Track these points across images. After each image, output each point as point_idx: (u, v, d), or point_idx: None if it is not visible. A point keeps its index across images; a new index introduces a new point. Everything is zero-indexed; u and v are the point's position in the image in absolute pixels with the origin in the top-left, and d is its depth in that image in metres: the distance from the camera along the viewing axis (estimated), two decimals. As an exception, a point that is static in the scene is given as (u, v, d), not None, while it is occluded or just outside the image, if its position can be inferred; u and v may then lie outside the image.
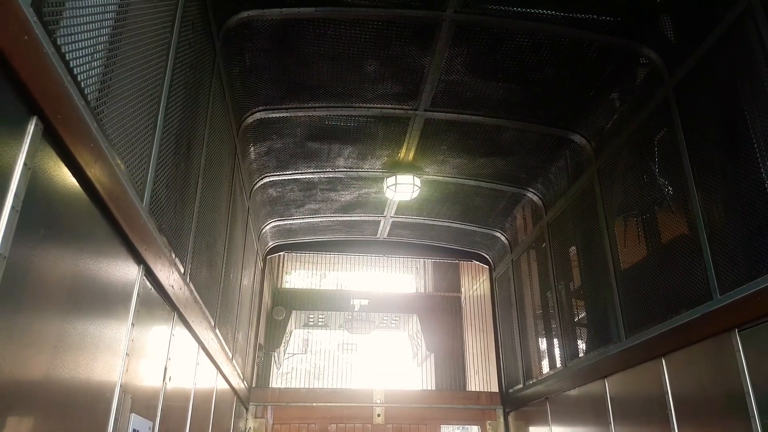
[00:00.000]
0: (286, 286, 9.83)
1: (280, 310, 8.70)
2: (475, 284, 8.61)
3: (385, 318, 11.51)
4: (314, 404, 6.88)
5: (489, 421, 7.02)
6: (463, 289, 9.47)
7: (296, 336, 12.73)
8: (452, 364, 9.25)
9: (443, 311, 9.74)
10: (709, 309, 3.32)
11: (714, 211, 3.48)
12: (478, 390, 7.90)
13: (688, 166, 3.60)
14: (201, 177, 3.37)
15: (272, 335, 8.40)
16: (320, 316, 11.35)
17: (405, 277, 12.26)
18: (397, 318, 11.67)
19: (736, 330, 3.12)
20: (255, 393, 6.70)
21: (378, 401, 6.86)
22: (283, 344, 9.30)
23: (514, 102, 4.80)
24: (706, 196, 3.50)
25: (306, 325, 12.15)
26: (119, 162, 2.04)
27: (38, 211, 1.54)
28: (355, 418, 6.73)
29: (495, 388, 7.32)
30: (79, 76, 1.71)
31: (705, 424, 3.40)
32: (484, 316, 8.05)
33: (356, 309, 9.94)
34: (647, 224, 4.29)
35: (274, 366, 8.42)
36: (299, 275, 9.74)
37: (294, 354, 12.97)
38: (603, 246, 4.70)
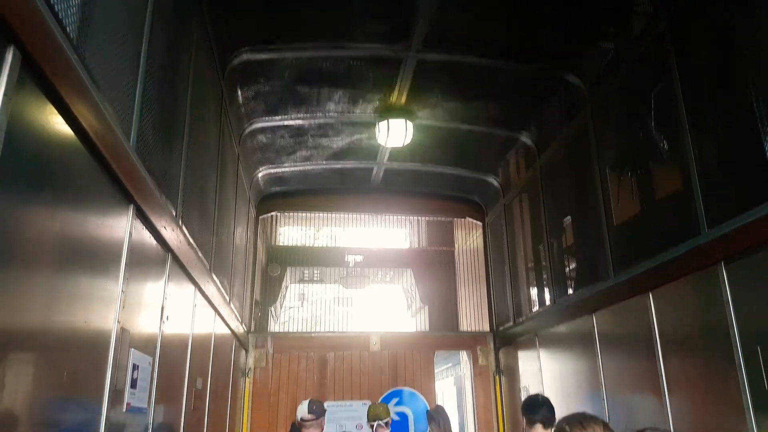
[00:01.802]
0: (281, 243, 9.87)
1: (275, 266, 8.77)
2: (469, 239, 8.70)
3: (379, 273, 11.63)
4: (312, 334, 7.23)
5: (479, 347, 7.34)
6: (456, 244, 9.54)
7: (292, 291, 12.86)
8: (445, 314, 9.44)
9: (437, 265, 9.84)
10: (697, 243, 3.38)
11: (705, 145, 3.48)
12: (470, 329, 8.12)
13: (681, 100, 3.58)
14: (188, 119, 3.33)
15: (268, 291, 8.49)
16: (315, 272, 11.43)
17: (399, 233, 12.33)
18: (391, 273, 11.78)
19: (723, 263, 3.18)
20: (254, 335, 6.94)
21: (374, 341, 7.11)
22: (279, 299, 9.42)
23: (509, 42, 4.70)
24: (697, 131, 3.50)
25: (302, 281, 12.26)
26: (103, 99, 2.01)
27: (22, 146, 1.53)
28: (352, 346, 7.06)
29: (486, 329, 7.53)
30: (56, 6, 1.66)
31: (689, 355, 3.52)
32: (477, 269, 8.18)
33: (351, 265, 10.02)
34: (639, 163, 4.30)
35: (272, 319, 8.56)
36: (293, 231, 9.75)
37: (291, 307, 13.14)
38: (594, 187, 4.72)
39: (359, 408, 6.66)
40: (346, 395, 6.82)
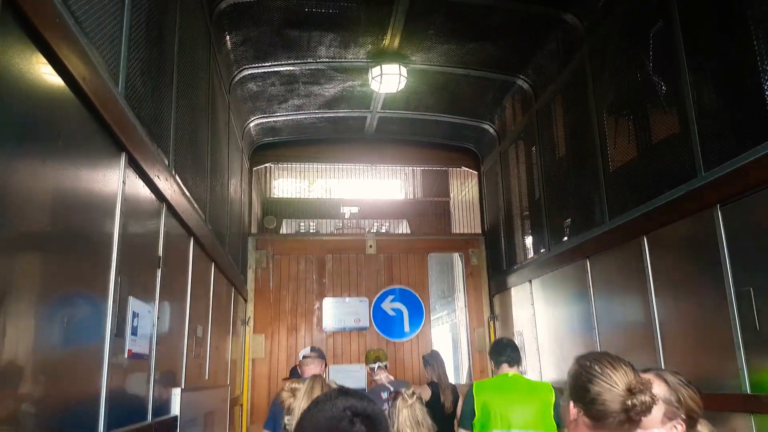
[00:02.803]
0: (276, 195, 9.84)
1: (271, 219, 8.77)
2: (464, 189, 8.68)
3: (375, 224, 11.67)
4: (311, 238, 7.51)
5: (471, 249, 7.61)
6: (452, 194, 9.53)
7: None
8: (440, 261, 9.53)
9: (432, 216, 9.87)
10: (693, 186, 3.38)
11: (704, 87, 3.44)
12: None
13: (680, 40, 3.51)
14: (176, 65, 3.24)
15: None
16: (311, 224, 11.47)
17: (394, 184, 12.28)
18: (387, 223, 11.82)
19: (718, 206, 3.19)
20: (254, 238, 7.23)
21: (370, 245, 7.43)
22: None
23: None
24: (696, 72, 3.44)
25: (297, 233, 12.31)
26: (89, 43, 1.94)
27: (8, 94, 1.48)
28: (349, 249, 7.36)
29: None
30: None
31: (682, 297, 3.57)
32: (472, 219, 8.22)
33: (346, 217, 10.03)
34: (636, 106, 4.25)
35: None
36: (288, 184, 9.70)
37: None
38: (591, 131, 4.68)
39: (357, 304, 7.10)
40: (344, 293, 7.16)
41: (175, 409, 3.07)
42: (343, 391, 1.22)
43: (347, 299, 7.13)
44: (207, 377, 4.15)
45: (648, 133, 4.11)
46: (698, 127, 3.38)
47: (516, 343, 4.12)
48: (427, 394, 4.95)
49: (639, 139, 4.22)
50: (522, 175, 6.49)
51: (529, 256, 6.20)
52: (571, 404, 1.60)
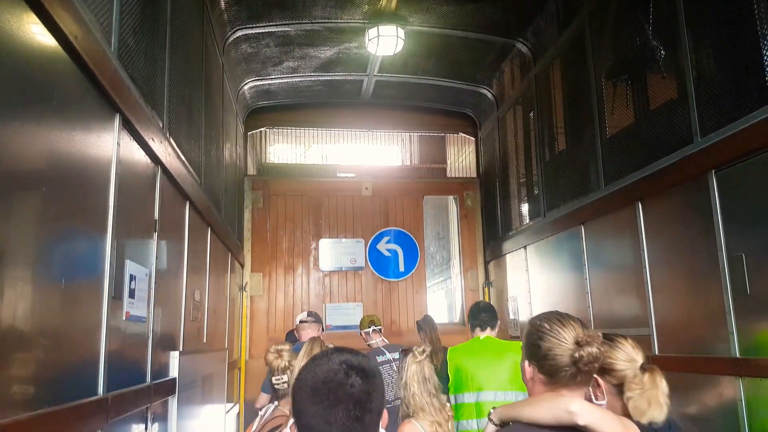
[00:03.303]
0: (271, 161, 9.78)
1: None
2: (461, 156, 8.64)
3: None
4: (308, 179, 7.61)
5: (466, 192, 7.71)
6: (449, 161, 9.49)
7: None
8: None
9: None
10: (689, 152, 3.38)
11: (703, 52, 3.40)
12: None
13: (680, 4, 3.47)
14: (169, 25, 3.17)
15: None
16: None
17: (391, 150, 12.18)
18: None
19: (713, 171, 3.20)
20: (250, 178, 7.33)
21: (366, 187, 7.53)
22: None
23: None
24: (696, 36, 3.40)
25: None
26: (81, 1, 1.89)
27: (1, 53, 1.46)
28: (345, 191, 7.46)
29: (474, 175, 7.87)
30: None
31: (675, 262, 3.61)
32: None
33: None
34: (635, 72, 4.21)
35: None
36: (283, 149, 9.61)
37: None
38: (589, 96, 4.64)
39: (353, 245, 7.26)
40: (340, 234, 7.28)
41: (174, 372, 3.12)
42: (339, 349, 1.27)
43: (343, 240, 7.24)
44: (205, 341, 4.20)
45: (646, 98, 4.08)
46: (696, 92, 3.36)
47: (493, 306, 4.18)
48: None
49: (637, 105, 4.19)
50: (519, 141, 6.46)
51: (525, 223, 6.23)
52: (526, 363, 1.66)
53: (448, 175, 8.49)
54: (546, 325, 1.60)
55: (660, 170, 3.65)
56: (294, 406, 1.23)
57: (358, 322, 5.55)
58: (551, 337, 1.57)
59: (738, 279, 3.01)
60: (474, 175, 7.88)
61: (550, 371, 1.57)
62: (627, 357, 1.85)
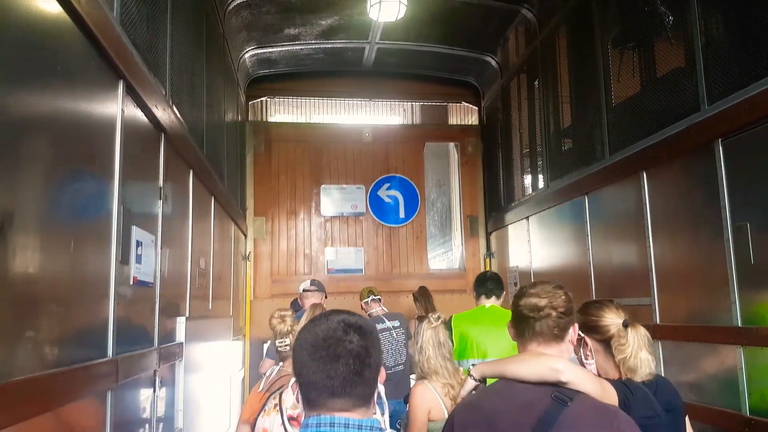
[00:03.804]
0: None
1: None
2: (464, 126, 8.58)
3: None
4: (309, 125, 7.62)
5: (467, 138, 7.77)
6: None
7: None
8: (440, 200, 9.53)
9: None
10: (696, 120, 3.35)
11: (712, 18, 3.35)
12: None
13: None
14: (170, -10, 3.13)
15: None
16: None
17: (392, 120, 12.07)
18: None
19: (720, 140, 3.18)
20: (251, 123, 7.33)
21: (366, 133, 7.56)
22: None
23: None
24: (704, 2, 3.34)
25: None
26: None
27: (4, 20, 1.43)
28: (345, 138, 7.49)
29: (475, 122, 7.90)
30: None
31: (679, 231, 3.61)
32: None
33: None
34: (642, 38, 4.15)
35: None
36: (284, 120, 9.55)
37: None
38: (595, 64, 4.59)
39: (353, 191, 7.33)
40: (341, 180, 7.34)
41: (181, 337, 3.16)
42: (336, 310, 1.32)
43: (344, 186, 7.30)
44: (210, 307, 4.24)
45: (653, 66, 4.03)
46: (704, 59, 3.32)
47: (500, 276, 4.20)
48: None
49: (643, 73, 4.14)
50: (523, 110, 6.41)
51: (528, 194, 6.22)
52: (509, 325, 1.78)
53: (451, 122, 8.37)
54: (525, 287, 1.75)
55: (666, 139, 3.63)
56: (295, 365, 1.27)
57: (359, 267, 5.65)
58: (522, 295, 1.72)
59: (742, 249, 3.01)
60: (476, 122, 7.88)
61: (514, 323, 1.73)
62: (611, 315, 2.06)
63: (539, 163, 5.84)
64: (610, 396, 1.73)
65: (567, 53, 5.28)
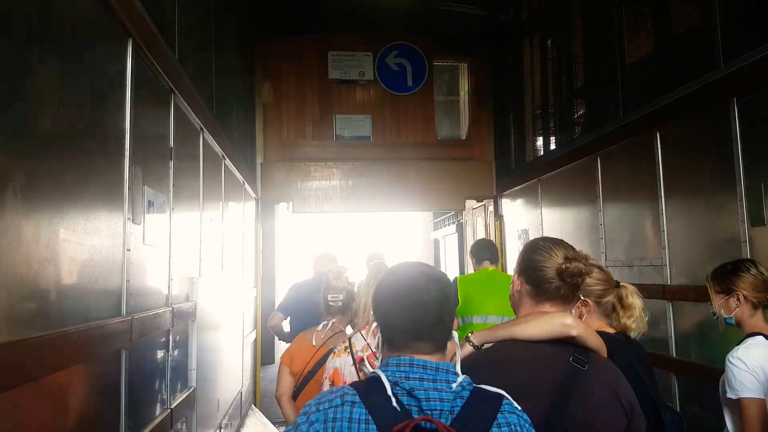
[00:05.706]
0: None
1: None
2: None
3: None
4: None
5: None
6: (461, 93, 9.28)
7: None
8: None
9: (442, 115, 9.68)
10: (712, 78, 3.28)
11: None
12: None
13: None
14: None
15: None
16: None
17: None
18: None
19: (735, 99, 3.12)
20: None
21: None
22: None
23: None
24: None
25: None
26: None
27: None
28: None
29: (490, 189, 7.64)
30: None
31: (692, 191, 3.59)
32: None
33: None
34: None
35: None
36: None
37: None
38: (609, 21, 4.48)
39: (361, 58, 7.20)
40: (349, 47, 7.21)
41: (194, 297, 3.22)
42: (411, 263, 1.43)
43: (354, 53, 7.20)
44: (222, 269, 4.30)
45: (668, 23, 3.93)
46: (721, 14, 3.23)
47: (494, 244, 4.71)
48: None
49: (658, 30, 4.04)
50: (536, 69, 6.29)
51: (539, 155, 6.16)
52: (516, 276, 1.76)
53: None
54: (541, 242, 1.73)
55: (680, 98, 3.57)
56: (378, 311, 1.37)
57: (366, 134, 5.68)
58: (544, 251, 1.68)
59: (756, 209, 2.99)
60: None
61: (536, 282, 1.67)
62: (604, 277, 2.24)
63: (551, 124, 5.77)
64: (603, 348, 1.79)
65: (580, 10, 5.16)
